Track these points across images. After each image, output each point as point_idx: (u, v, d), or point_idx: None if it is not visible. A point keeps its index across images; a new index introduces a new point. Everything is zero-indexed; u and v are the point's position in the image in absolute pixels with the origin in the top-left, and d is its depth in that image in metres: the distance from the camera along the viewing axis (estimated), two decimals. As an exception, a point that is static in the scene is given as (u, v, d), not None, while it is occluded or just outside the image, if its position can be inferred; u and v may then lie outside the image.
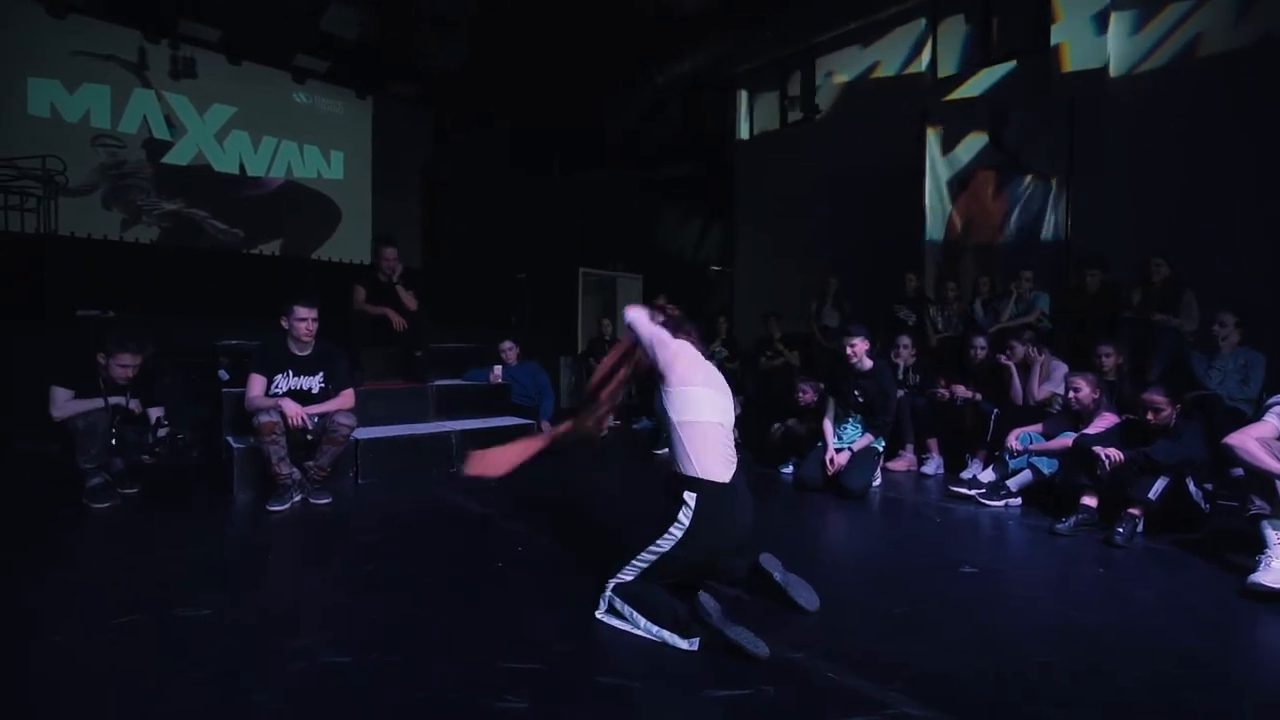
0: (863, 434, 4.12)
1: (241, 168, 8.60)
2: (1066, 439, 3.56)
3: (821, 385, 4.60)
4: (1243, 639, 2.24)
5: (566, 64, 8.87)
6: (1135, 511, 3.08)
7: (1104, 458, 3.20)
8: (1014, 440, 3.81)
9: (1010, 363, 4.30)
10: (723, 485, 2.14)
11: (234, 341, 4.66)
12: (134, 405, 3.63)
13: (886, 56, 7.94)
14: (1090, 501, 3.26)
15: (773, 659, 1.90)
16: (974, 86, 7.07)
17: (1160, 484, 3.08)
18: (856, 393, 4.14)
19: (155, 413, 3.72)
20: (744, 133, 9.67)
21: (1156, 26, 5.95)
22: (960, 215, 6.68)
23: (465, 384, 5.14)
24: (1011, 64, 6.83)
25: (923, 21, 7.57)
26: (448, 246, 9.52)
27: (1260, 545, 2.59)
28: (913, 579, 2.67)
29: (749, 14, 7.88)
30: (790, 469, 4.53)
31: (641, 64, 8.92)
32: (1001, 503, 3.71)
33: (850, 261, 7.55)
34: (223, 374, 4.23)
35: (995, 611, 2.36)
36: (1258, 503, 2.66)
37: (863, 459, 4.01)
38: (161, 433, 3.59)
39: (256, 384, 3.57)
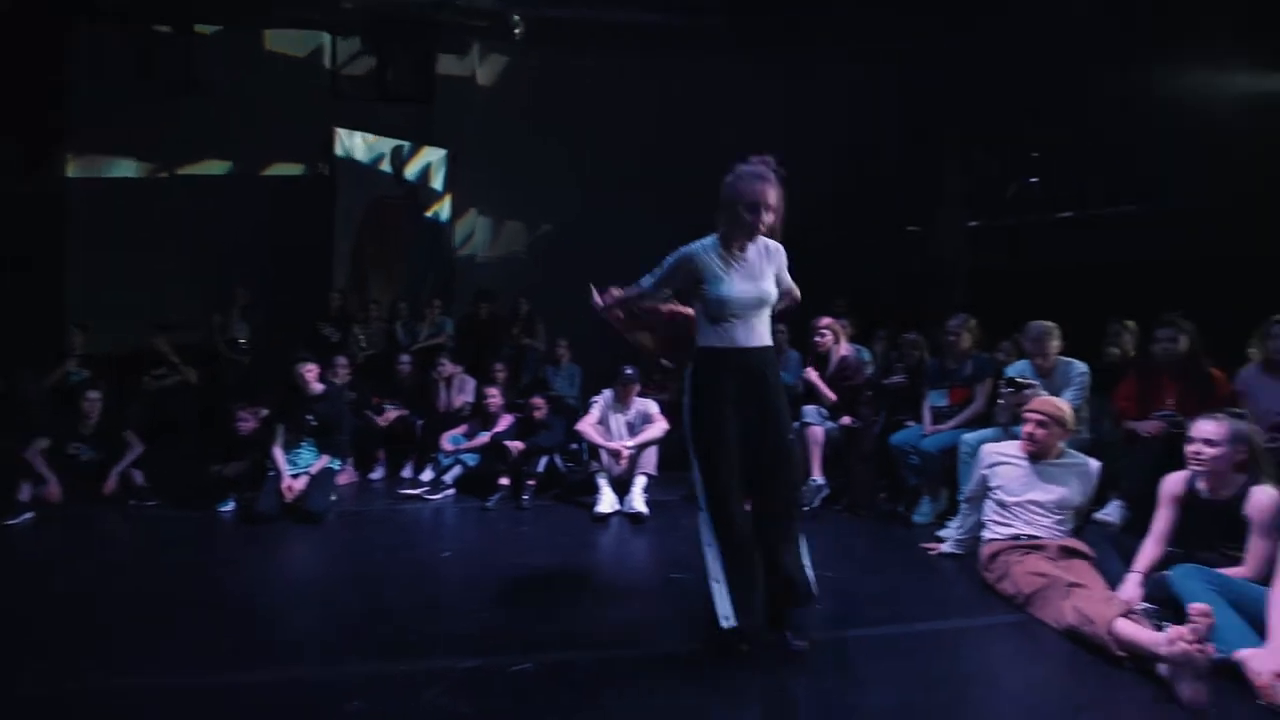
0: (319, 457, 4.25)
1: None
2: (484, 437, 4.69)
3: (264, 412, 4.44)
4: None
5: None
6: (532, 482, 4.42)
7: (511, 449, 4.45)
8: (446, 443, 4.73)
9: (441, 378, 5.21)
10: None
11: None
12: None
13: (289, 55, 7.60)
14: (505, 481, 4.46)
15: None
16: (374, 119, 7.60)
17: (545, 460, 4.53)
18: (310, 417, 4.23)
19: None
20: (81, 94, 7.50)
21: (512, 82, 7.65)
22: (369, 239, 7.28)
23: None
24: (402, 107, 7.66)
25: (326, 36, 7.57)
26: None
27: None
28: (439, 576, 3.23)
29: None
30: (231, 506, 4.19)
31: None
32: (441, 495, 4.56)
33: (253, 272, 7.01)
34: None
35: (497, 574, 3.15)
36: (594, 465, 4.32)
37: (322, 480, 4.14)
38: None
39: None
